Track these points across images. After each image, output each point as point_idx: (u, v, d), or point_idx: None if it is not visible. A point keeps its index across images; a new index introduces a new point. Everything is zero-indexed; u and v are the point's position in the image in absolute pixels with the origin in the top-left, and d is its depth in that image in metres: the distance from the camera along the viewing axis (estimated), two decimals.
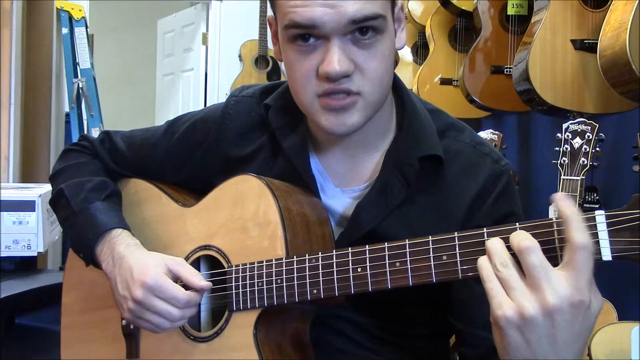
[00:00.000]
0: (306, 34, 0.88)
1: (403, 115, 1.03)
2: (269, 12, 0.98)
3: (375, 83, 0.91)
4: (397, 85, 1.04)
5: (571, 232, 0.69)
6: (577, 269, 0.68)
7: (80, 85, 3.64)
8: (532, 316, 0.68)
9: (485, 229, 0.77)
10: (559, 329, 0.69)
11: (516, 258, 0.71)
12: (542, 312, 0.68)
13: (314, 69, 0.90)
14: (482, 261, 0.73)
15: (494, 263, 0.72)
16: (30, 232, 1.94)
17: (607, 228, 0.70)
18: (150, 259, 1.01)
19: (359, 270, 0.86)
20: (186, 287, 0.98)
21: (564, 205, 0.70)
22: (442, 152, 0.98)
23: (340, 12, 0.85)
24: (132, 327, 1.09)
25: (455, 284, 0.96)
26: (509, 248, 0.72)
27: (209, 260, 1.05)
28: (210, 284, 0.99)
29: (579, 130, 1.75)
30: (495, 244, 0.73)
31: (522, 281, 0.70)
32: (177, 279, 0.99)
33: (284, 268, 0.93)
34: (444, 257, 0.80)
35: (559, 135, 1.78)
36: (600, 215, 0.71)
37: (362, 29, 0.87)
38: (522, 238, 0.71)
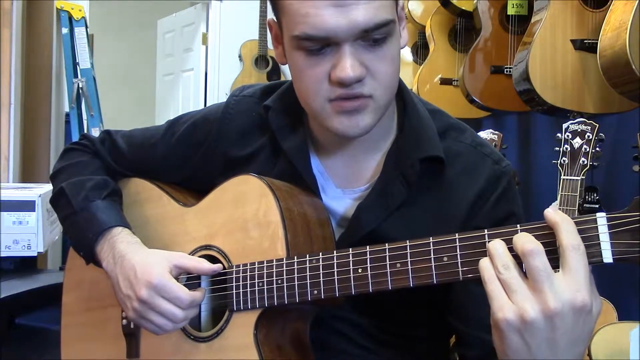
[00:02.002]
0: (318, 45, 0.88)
1: (404, 116, 1.03)
2: (269, 14, 0.97)
3: (386, 86, 0.92)
4: (398, 86, 1.03)
5: (561, 235, 0.70)
6: (572, 270, 0.68)
7: (80, 85, 3.63)
8: (532, 319, 0.68)
9: (486, 230, 0.77)
10: (559, 333, 0.69)
11: (517, 260, 0.71)
12: (543, 316, 0.68)
13: (325, 74, 0.89)
14: (484, 263, 0.73)
15: (496, 265, 0.72)
16: (30, 232, 1.94)
17: (608, 230, 0.70)
18: (152, 257, 1.01)
19: (360, 271, 0.86)
20: (189, 287, 0.98)
21: (551, 214, 0.71)
22: (442, 153, 0.98)
23: (352, 21, 0.84)
24: (132, 326, 1.10)
25: (456, 285, 0.96)
26: (510, 250, 0.72)
27: (210, 260, 1.05)
28: (221, 265, 1.00)
29: (579, 130, 1.75)
30: (497, 246, 0.73)
31: (524, 284, 0.70)
32: (182, 273, 0.99)
33: (284, 268, 0.93)
34: (445, 259, 0.79)
35: (559, 135, 1.78)
36: (601, 218, 0.71)
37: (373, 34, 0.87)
38: (526, 241, 0.70)
